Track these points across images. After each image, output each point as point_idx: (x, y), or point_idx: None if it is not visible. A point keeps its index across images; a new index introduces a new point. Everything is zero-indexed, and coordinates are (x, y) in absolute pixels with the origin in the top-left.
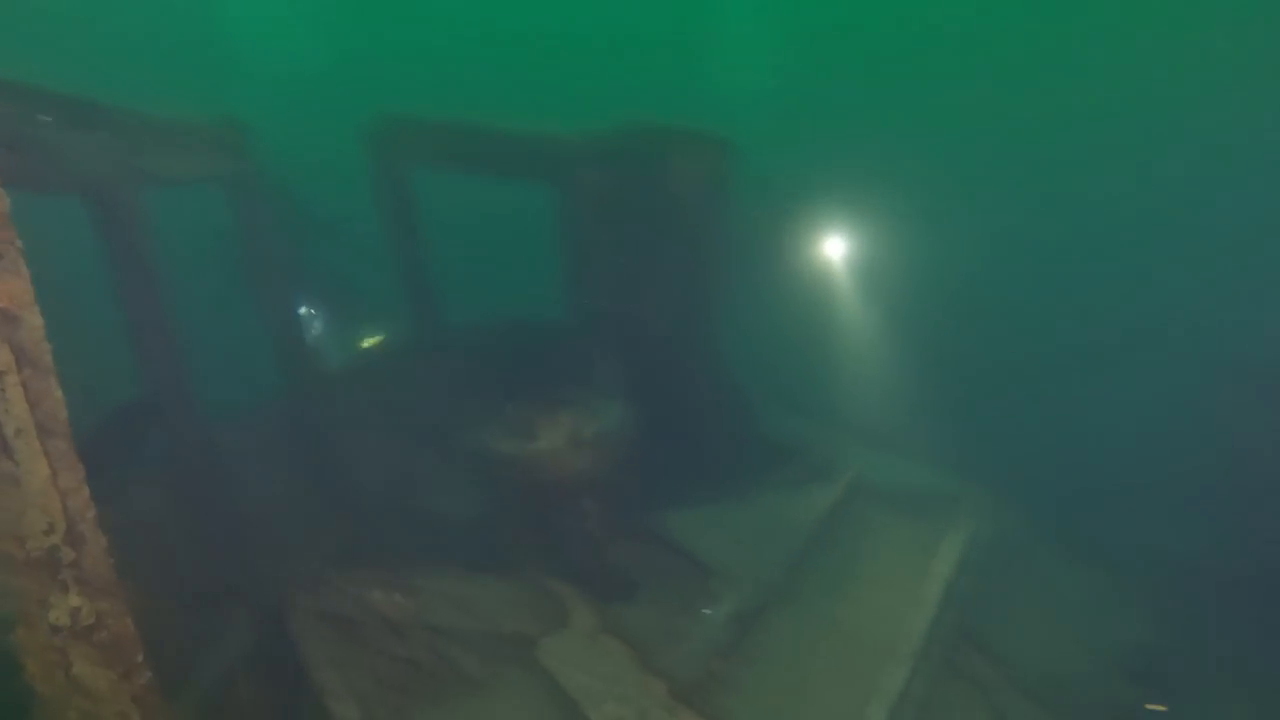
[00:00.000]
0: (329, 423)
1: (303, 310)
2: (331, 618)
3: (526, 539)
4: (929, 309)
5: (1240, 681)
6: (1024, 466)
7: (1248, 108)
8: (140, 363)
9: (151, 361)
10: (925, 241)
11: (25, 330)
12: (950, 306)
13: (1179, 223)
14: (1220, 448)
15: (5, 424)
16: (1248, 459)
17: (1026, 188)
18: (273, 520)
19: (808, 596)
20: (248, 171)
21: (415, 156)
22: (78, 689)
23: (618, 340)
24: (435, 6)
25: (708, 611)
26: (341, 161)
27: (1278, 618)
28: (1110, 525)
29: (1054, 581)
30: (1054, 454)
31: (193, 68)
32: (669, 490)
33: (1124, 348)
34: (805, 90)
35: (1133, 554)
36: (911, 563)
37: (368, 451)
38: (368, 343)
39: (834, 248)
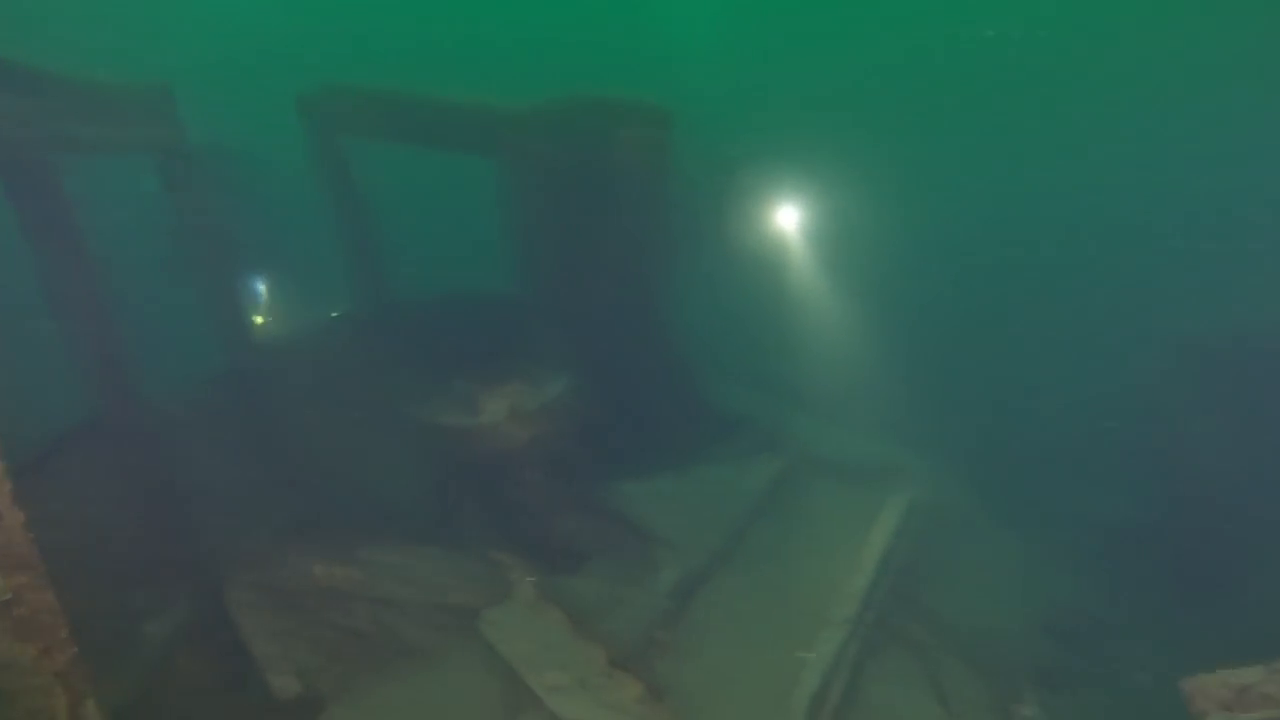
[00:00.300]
0: (273, 396)
1: (246, 282)
2: (272, 590)
3: (472, 511)
4: (874, 283)
5: (1156, 635)
6: (962, 436)
7: (1180, 78)
8: (67, 337)
9: (79, 335)
10: (871, 214)
11: None
12: (894, 280)
13: (1111, 197)
14: (1146, 417)
15: None
16: (1171, 428)
17: (970, 163)
18: (215, 494)
19: (751, 564)
20: (180, 140)
21: (353, 127)
22: None
23: (562, 313)
24: None
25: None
26: (283, 130)
27: (1192, 574)
28: (1044, 492)
29: (989, 547)
30: (990, 424)
31: (127, 30)
32: (616, 462)
33: (1058, 321)
34: (755, 60)
35: (1064, 519)
36: (852, 530)
37: (312, 425)
38: (310, 315)
39: (783, 219)
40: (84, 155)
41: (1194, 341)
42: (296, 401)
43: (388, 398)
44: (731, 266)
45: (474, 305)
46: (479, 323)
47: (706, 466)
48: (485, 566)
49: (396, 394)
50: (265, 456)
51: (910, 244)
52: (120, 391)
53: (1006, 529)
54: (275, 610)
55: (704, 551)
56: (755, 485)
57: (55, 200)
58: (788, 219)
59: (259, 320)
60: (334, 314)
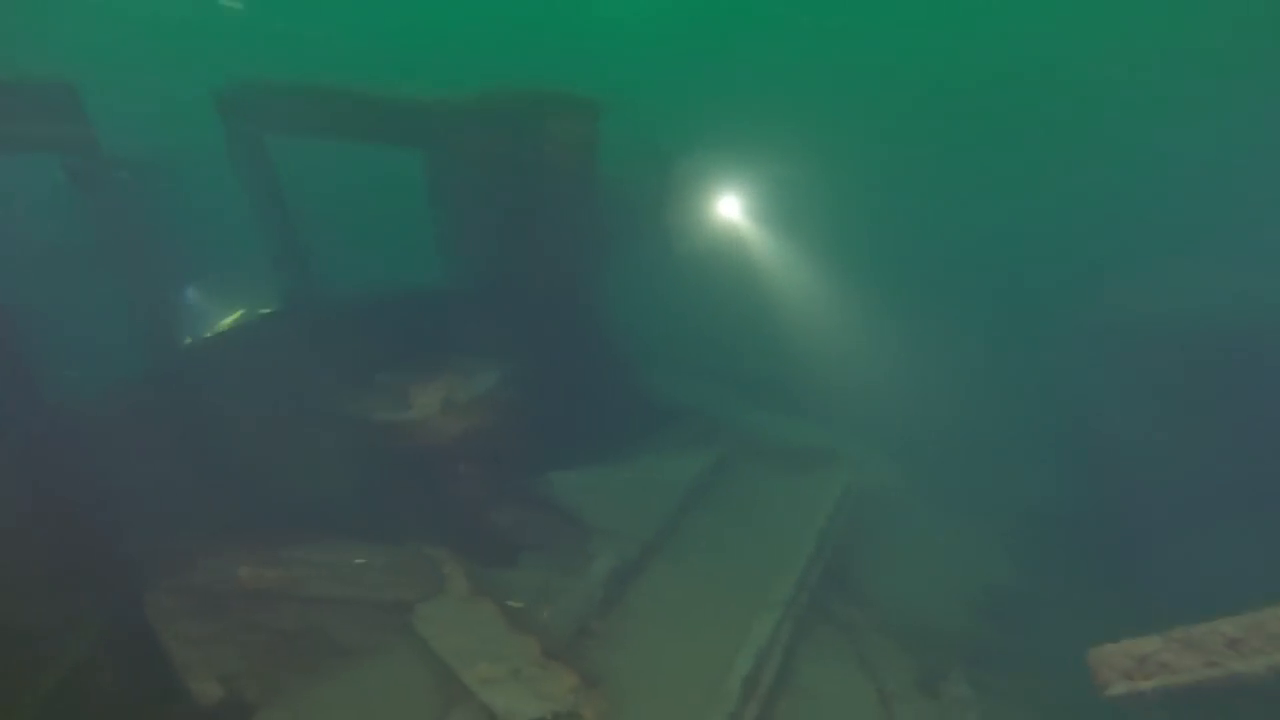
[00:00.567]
0: (197, 396)
1: (168, 282)
2: (196, 595)
3: (405, 507)
4: (811, 271)
5: (1081, 612)
6: (899, 423)
7: (1108, 56)
8: None
9: None
10: (806, 202)
11: None
12: (831, 267)
13: (1039, 183)
14: (1071, 402)
15: None
16: (1094, 413)
17: (903, 148)
18: (135, 498)
19: (687, 551)
20: (87, 139)
21: (275, 124)
22: None
23: (494, 305)
24: None
25: None
26: (205, 128)
27: (1114, 552)
28: (976, 476)
29: (922, 529)
30: (926, 411)
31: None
32: (552, 453)
33: (988, 307)
34: (689, 50)
35: (996, 502)
36: (788, 516)
37: (239, 424)
38: (237, 313)
39: (723, 209)
40: None
41: (1112, 325)
42: (222, 401)
43: (317, 394)
44: (669, 258)
45: (405, 300)
46: (410, 317)
47: (643, 456)
48: (419, 562)
49: (326, 390)
50: (190, 458)
51: (845, 231)
52: (25, 394)
53: (940, 512)
54: (198, 615)
55: (639, 540)
56: (691, 473)
57: None
58: (727, 209)
59: (236, 313)
60: (262, 312)
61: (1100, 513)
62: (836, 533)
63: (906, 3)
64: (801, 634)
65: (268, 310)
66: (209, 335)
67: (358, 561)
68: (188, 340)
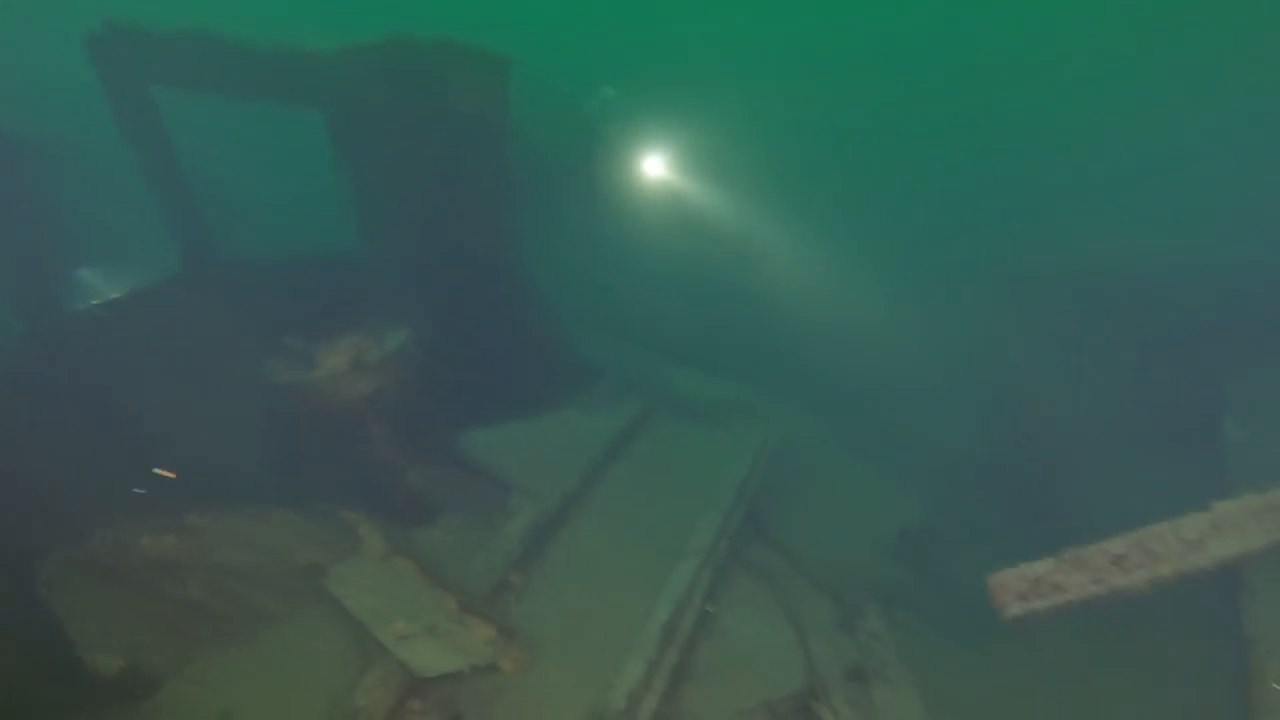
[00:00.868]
0: (92, 363)
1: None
2: (94, 566)
3: (318, 470)
4: (733, 229)
5: (987, 546)
6: (820, 377)
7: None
8: None
9: None
10: (730, 163)
11: None
12: (752, 227)
13: (965, 131)
14: (984, 350)
15: None
16: (1007, 360)
17: (829, 102)
18: (23, 468)
19: (607, 505)
20: None
21: (151, 75)
22: None
23: (403, 264)
24: None
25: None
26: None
27: (1024, 491)
28: (894, 426)
29: (841, 480)
30: (841, 361)
31: None
32: (469, 412)
33: (902, 257)
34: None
35: (912, 449)
36: (708, 468)
37: (139, 391)
38: (132, 277)
39: (647, 166)
40: None
41: (1022, 273)
42: (120, 368)
43: (221, 358)
44: (594, 215)
45: (312, 261)
46: (318, 278)
47: (564, 413)
48: (333, 525)
49: (230, 354)
50: (83, 426)
51: (769, 184)
52: None
53: (858, 462)
54: (97, 588)
55: (559, 494)
56: (612, 429)
57: None
58: (654, 165)
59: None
60: (159, 277)
61: (1013, 456)
62: (755, 483)
63: None
64: (722, 582)
65: (166, 275)
66: (100, 302)
67: (267, 526)
68: (78, 307)
